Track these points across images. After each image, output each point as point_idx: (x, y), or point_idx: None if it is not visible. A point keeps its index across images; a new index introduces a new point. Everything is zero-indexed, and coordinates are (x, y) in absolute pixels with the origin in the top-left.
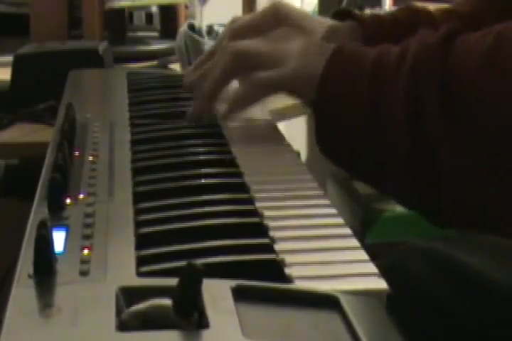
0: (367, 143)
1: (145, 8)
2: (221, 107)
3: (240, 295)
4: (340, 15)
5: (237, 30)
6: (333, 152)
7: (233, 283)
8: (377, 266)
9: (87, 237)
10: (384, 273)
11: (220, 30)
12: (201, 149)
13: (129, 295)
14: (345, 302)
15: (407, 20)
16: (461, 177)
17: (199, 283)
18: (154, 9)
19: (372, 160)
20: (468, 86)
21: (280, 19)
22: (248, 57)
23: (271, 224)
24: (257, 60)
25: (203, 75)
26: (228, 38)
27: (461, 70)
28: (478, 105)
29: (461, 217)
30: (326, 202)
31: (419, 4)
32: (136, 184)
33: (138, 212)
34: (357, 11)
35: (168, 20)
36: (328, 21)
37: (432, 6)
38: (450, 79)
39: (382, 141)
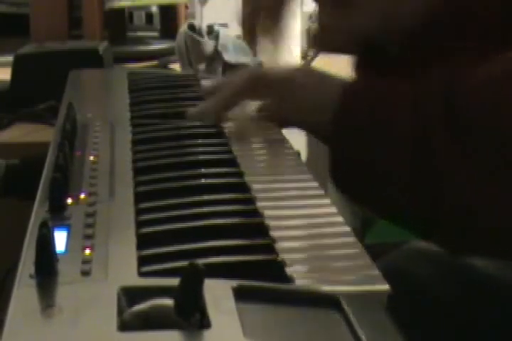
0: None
1: (145, 8)
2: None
3: (241, 295)
4: None
5: None
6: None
7: (234, 283)
8: (378, 266)
9: (88, 237)
10: (384, 273)
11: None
12: (201, 149)
13: (130, 295)
14: (345, 303)
15: None
16: (461, 181)
17: (200, 283)
18: (154, 9)
19: (375, 174)
20: (471, 98)
21: None
22: (262, 79)
23: (272, 223)
24: (269, 84)
25: (217, 87)
26: None
27: (466, 87)
28: (480, 114)
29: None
30: (327, 201)
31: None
32: (137, 184)
33: (139, 211)
34: None
35: (168, 20)
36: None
37: None
38: (455, 94)
39: (387, 149)
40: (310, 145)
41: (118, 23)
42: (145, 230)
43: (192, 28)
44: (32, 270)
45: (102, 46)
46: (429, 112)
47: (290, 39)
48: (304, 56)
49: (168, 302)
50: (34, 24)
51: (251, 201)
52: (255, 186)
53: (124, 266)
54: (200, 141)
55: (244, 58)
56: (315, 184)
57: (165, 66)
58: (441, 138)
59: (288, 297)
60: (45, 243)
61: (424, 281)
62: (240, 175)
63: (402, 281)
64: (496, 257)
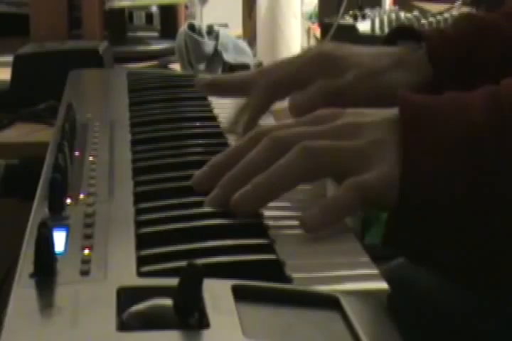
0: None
1: (145, 8)
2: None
3: (240, 295)
4: (395, 35)
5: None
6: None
7: (233, 283)
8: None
9: (87, 237)
10: (384, 275)
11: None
12: (201, 149)
13: (129, 295)
14: (345, 303)
15: (472, 33)
16: None
17: (199, 283)
18: (154, 9)
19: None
20: None
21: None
22: (326, 159)
23: (271, 223)
24: (337, 160)
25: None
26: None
27: None
28: None
29: None
30: None
31: (419, 4)
32: (136, 184)
33: (138, 211)
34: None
35: (168, 20)
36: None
37: (432, 6)
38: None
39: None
40: None
41: (118, 23)
42: (144, 230)
43: (192, 28)
44: (31, 270)
45: (102, 46)
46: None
47: (290, 39)
48: None
49: (167, 302)
50: (34, 24)
51: None
52: None
53: (123, 266)
54: (199, 141)
55: (244, 58)
56: (315, 184)
57: (165, 66)
58: None
59: (287, 297)
60: (44, 243)
61: (425, 290)
62: None
63: (404, 290)
64: None
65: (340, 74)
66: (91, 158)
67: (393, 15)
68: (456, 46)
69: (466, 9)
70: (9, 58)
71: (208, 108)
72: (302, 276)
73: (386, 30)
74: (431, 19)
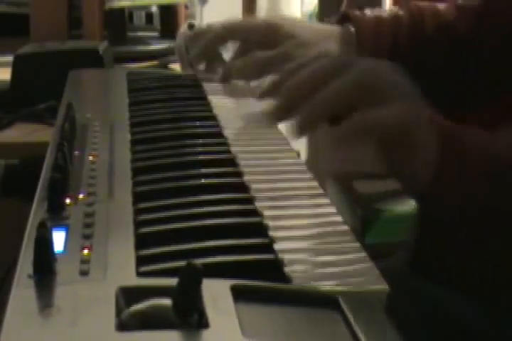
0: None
1: (145, 8)
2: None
3: (239, 294)
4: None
5: None
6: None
7: (233, 282)
8: (378, 267)
9: (87, 237)
10: (384, 275)
11: None
12: (201, 149)
13: (128, 295)
14: (344, 302)
15: (409, 18)
16: None
17: (199, 283)
18: (154, 9)
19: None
20: None
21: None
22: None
23: (271, 223)
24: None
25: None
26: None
27: None
28: None
29: None
30: (326, 201)
31: (420, 4)
32: (136, 184)
33: (138, 211)
34: (358, 12)
35: (168, 20)
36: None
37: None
38: None
39: None
40: (310, 145)
41: (118, 23)
42: (144, 230)
43: (192, 28)
44: (30, 270)
45: (102, 46)
46: None
47: None
48: None
49: (166, 302)
50: (34, 24)
51: (250, 201)
52: (254, 186)
53: (122, 266)
54: (199, 141)
55: None
56: (314, 184)
57: (165, 66)
58: None
59: (287, 296)
60: (44, 243)
61: (425, 289)
62: (239, 175)
63: (403, 284)
64: None
65: (278, 42)
66: (91, 158)
67: None
68: (384, 26)
69: None
70: (9, 58)
71: (208, 108)
72: (302, 276)
73: None
74: None
